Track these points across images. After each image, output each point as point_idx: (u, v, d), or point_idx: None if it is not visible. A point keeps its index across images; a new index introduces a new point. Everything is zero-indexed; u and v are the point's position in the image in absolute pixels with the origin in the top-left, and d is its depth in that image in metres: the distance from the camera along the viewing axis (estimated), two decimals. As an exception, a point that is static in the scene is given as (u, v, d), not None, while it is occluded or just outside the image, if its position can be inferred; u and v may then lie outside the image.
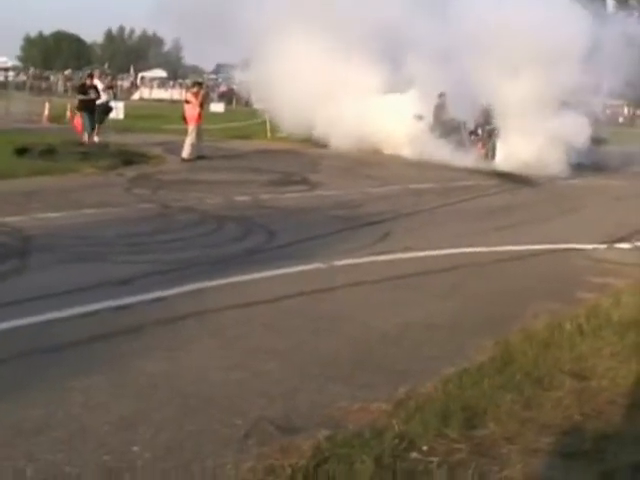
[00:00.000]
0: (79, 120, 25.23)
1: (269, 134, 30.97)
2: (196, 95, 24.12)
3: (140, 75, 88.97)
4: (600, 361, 6.51)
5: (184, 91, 44.86)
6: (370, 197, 16.94)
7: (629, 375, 6.20)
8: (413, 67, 25.99)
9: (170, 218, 13.37)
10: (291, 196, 16.58)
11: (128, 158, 21.26)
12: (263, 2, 27.24)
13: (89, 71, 26.29)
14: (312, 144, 26.82)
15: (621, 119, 61.08)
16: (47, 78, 78.76)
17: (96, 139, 24.80)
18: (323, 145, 26.72)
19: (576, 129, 24.80)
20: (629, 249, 12.54)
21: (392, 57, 27.06)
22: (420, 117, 26.68)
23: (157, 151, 24.12)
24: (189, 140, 23.19)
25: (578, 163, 24.84)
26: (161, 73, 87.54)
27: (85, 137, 24.20)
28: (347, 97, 26.64)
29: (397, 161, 24.35)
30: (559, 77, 23.50)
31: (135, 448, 4.88)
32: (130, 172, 19.11)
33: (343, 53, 26.37)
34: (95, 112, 24.81)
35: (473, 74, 23.65)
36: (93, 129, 24.64)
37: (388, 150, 26.30)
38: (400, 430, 5.06)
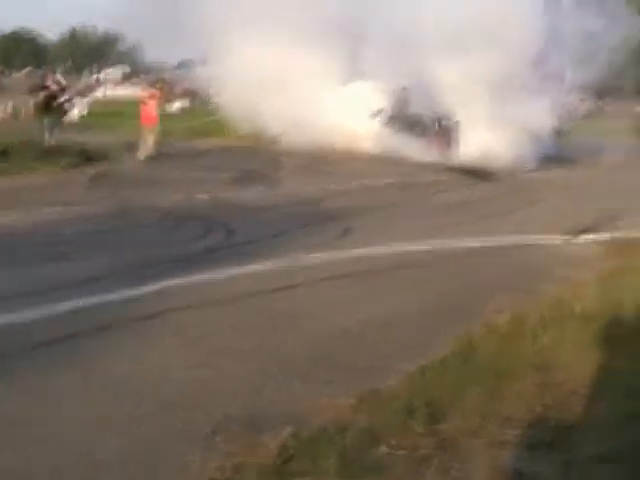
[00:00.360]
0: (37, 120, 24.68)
1: (228, 132, 30.80)
2: (153, 96, 23.98)
3: (103, 72, 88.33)
4: (563, 352, 6.52)
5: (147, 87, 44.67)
6: (330, 193, 16.91)
7: (591, 366, 6.22)
8: (370, 58, 26.05)
9: (130, 216, 13.28)
10: (251, 194, 16.53)
11: (88, 156, 21.10)
12: None
13: (43, 72, 25.71)
14: (271, 141, 26.67)
15: (583, 111, 61.46)
16: (6, 77, 77.90)
17: (56, 138, 24.48)
18: (282, 142, 26.61)
19: (538, 120, 25.01)
20: (590, 241, 12.60)
21: (349, 48, 27.07)
22: (379, 112, 26.70)
23: (118, 149, 23.93)
24: (147, 139, 23.05)
25: (541, 155, 25.02)
26: (124, 70, 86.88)
27: (46, 136, 23.77)
28: (304, 91, 26.56)
29: (357, 157, 24.31)
30: (513, 63, 23.71)
31: (98, 450, 4.82)
32: (90, 170, 19.03)
33: (299, 46, 26.30)
34: (54, 112, 24.29)
35: (430, 64, 23.76)
36: (53, 128, 24.19)
37: (348, 145, 26.26)
38: (364, 425, 5.04)
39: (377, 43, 25.78)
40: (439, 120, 26.59)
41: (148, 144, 23.00)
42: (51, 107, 24.14)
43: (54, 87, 25.47)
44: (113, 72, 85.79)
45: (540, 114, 26.19)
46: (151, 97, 23.93)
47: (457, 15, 23.19)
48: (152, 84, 24.62)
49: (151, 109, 23.61)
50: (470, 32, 22.72)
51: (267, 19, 26.03)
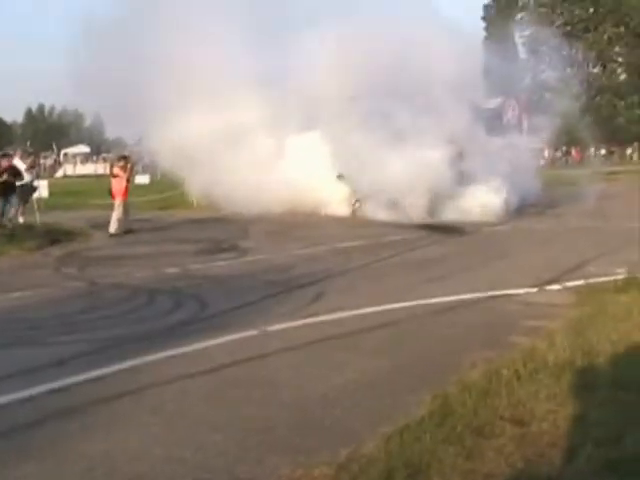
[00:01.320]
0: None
1: (195, 203, 30.92)
2: (123, 168, 24.02)
3: (63, 152, 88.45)
4: (538, 405, 6.54)
5: (108, 165, 44.70)
6: (300, 259, 16.95)
7: (568, 416, 6.25)
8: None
9: (100, 295, 13.24)
10: (221, 264, 16.53)
11: (54, 237, 21.05)
12: (167, 75, 27.23)
13: (2, 153, 25.36)
14: (237, 211, 26.72)
15: (542, 161, 62.28)
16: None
17: (21, 220, 24.29)
18: (249, 211, 26.68)
19: (501, 172, 25.51)
20: (559, 290, 12.69)
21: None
22: (342, 176, 26.86)
23: (84, 227, 23.94)
24: (116, 214, 23.08)
25: (506, 207, 25.38)
26: (84, 149, 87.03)
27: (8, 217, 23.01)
28: (259, 161, 26.87)
29: (325, 221, 24.45)
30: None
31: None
32: (57, 251, 18.96)
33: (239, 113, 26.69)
34: (13, 194, 23.41)
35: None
36: (14, 210, 23.51)
37: (315, 210, 26.39)
38: (345, 493, 5.02)
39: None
40: None
41: (119, 219, 22.99)
42: (11, 190, 23.41)
43: (21, 167, 25.21)
44: (74, 151, 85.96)
45: (502, 166, 26.62)
46: (122, 170, 23.89)
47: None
48: (121, 158, 24.51)
49: (121, 183, 23.61)
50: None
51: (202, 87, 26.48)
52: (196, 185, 28.80)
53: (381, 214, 24.35)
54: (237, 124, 26.68)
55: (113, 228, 22.75)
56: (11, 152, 26.40)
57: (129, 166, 24.37)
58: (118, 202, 23.39)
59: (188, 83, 26.63)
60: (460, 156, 26.15)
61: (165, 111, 26.98)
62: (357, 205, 26.76)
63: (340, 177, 26.91)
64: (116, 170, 24.23)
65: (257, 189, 25.95)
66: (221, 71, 26.98)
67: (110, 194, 24.08)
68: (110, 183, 24.32)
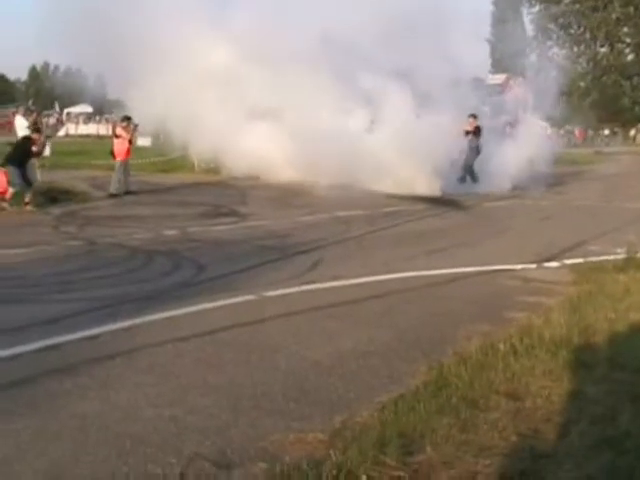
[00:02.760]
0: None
1: (196, 167, 30.82)
2: (126, 129, 23.87)
3: (66, 111, 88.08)
4: (534, 380, 6.54)
5: (111, 126, 44.51)
6: (299, 226, 16.92)
7: (563, 392, 6.25)
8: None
9: (98, 255, 13.19)
10: (220, 228, 16.49)
11: (55, 196, 20.96)
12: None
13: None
14: (238, 176, 26.63)
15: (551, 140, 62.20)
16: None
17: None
18: (250, 176, 26.57)
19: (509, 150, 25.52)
20: (558, 267, 12.67)
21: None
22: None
23: (84, 187, 23.85)
24: (117, 175, 22.99)
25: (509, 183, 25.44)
26: (87, 108, 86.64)
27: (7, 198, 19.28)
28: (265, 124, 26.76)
29: (325, 189, 24.35)
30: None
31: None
32: (57, 210, 18.88)
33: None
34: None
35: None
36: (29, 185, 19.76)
37: (315, 178, 26.27)
38: (338, 460, 5.02)
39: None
40: None
41: (120, 179, 22.92)
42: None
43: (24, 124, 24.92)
44: (77, 110, 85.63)
45: (511, 144, 26.63)
46: (124, 130, 23.75)
47: None
48: (124, 119, 24.30)
49: (123, 144, 23.50)
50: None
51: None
52: (197, 148, 28.69)
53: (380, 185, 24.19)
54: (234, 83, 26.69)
55: (114, 188, 22.67)
56: (14, 109, 25.97)
57: (132, 127, 24.21)
58: (119, 163, 23.30)
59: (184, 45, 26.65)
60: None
61: (161, 73, 26.85)
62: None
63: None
64: (119, 130, 24.06)
65: (256, 155, 25.87)
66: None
67: (112, 155, 23.97)
68: (112, 144, 24.21)
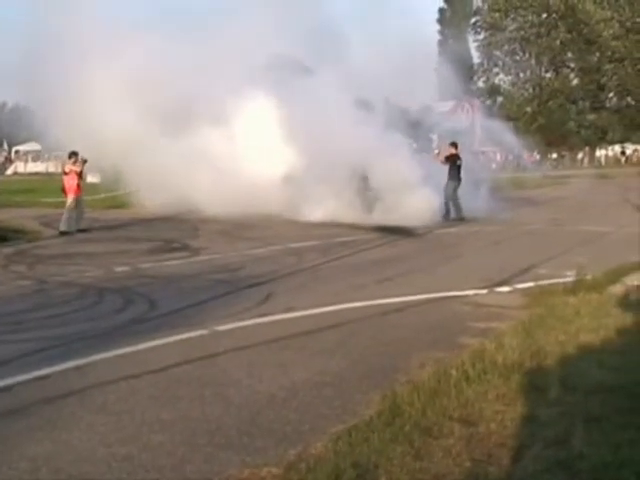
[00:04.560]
0: None
1: (146, 202, 30.62)
2: (75, 164, 23.64)
3: (14, 149, 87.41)
4: (487, 405, 6.57)
5: (60, 163, 44.16)
6: (251, 259, 16.89)
7: (516, 416, 6.28)
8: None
9: (49, 294, 13.07)
10: (171, 263, 16.40)
11: (3, 234, 20.75)
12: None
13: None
14: (188, 211, 26.55)
15: (494, 165, 62.84)
16: None
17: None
18: (200, 210, 26.51)
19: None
20: (509, 292, 12.77)
21: None
22: (289, 178, 26.66)
23: (34, 226, 23.66)
24: (67, 212, 22.79)
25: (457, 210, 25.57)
26: (35, 146, 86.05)
27: None
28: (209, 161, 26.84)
29: (277, 221, 24.36)
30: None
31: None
32: (6, 249, 18.68)
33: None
34: None
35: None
36: None
37: (268, 210, 26.25)
38: (293, 494, 5.00)
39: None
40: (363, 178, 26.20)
41: (70, 216, 22.72)
42: None
43: None
44: (25, 148, 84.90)
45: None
46: (73, 167, 23.53)
47: None
48: (71, 155, 24.06)
49: (73, 180, 23.29)
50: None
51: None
52: (146, 184, 28.59)
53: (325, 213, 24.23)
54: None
55: (64, 226, 22.46)
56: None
57: (80, 163, 23.97)
58: (70, 199, 23.10)
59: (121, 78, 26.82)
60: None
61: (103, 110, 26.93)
62: (305, 206, 26.67)
63: (287, 178, 26.71)
64: (67, 167, 23.83)
65: (206, 190, 25.87)
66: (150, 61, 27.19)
67: (63, 191, 23.76)
68: (62, 180, 23.97)
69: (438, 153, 28.09)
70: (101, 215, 26.88)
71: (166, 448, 6.09)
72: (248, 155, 26.55)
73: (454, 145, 28.03)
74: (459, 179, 26.81)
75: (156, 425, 6.61)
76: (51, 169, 65.81)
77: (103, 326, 10.43)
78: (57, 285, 13.77)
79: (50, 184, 29.59)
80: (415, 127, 31.55)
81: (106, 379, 7.92)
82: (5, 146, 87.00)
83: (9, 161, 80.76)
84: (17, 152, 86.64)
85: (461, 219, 25.47)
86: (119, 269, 15.38)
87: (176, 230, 22.78)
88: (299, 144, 25.07)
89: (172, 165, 26.39)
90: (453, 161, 27.14)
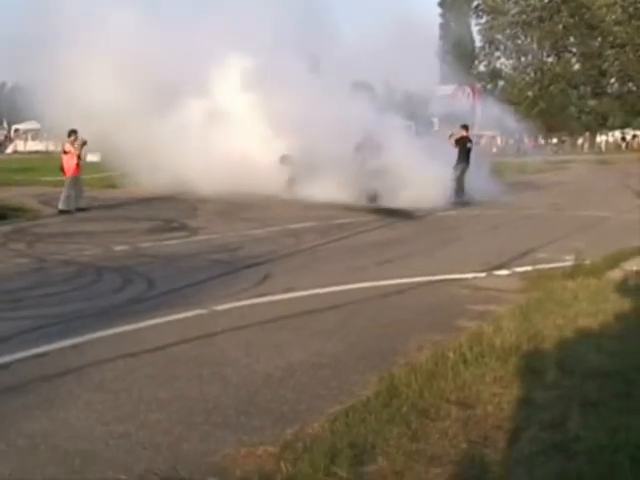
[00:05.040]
0: None
1: (145, 182, 30.55)
2: (73, 144, 23.55)
3: (14, 127, 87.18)
4: (484, 388, 6.58)
5: (59, 142, 44.03)
6: (249, 239, 16.89)
7: (513, 399, 6.29)
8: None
9: (48, 272, 13.07)
10: (170, 243, 16.41)
11: (2, 213, 20.74)
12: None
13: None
14: (187, 190, 26.53)
15: (495, 149, 62.84)
16: None
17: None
18: (199, 190, 26.50)
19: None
20: (507, 275, 12.77)
21: None
22: (286, 158, 26.68)
23: (33, 204, 23.65)
24: (66, 191, 22.75)
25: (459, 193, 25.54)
26: (35, 125, 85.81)
27: None
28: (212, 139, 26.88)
29: (276, 202, 24.35)
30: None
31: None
32: (5, 227, 18.67)
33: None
34: None
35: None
36: None
37: (266, 191, 26.22)
38: (289, 472, 5.02)
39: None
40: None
41: (69, 195, 22.68)
42: None
43: None
44: (25, 127, 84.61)
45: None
46: (72, 146, 23.44)
47: None
48: (70, 133, 23.92)
49: (72, 159, 23.22)
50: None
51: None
52: (142, 164, 28.58)
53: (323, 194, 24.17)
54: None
55: (63, 204, 22.42)
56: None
57: (79, 142, 23.86)
58: (69, 179, 23.05)
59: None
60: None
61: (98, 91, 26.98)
62: (301, 186, 26.70)
63: (284, 159, 26.72)
64: (67, 146, 23.68)
65: (203, 169, 25.89)
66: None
67: (62, 171, 23.69)
68: (61, 159, 23.90)
69: (451, 135, 27.90)
70: (100, 194, 26.81)
71: (163, 426, 6.10)
72: (244, 135, 26.62)
73: (465, 127, 27.98)
74: (468, 162, 26.74)
75: (153, 404, 6.61)
76: (51, 148, 65.68)
77: (101, 305, 10.43)
78: (56, 263, 13.76)
79: (49, 163, 29.52)
80: (415, 110, 31.49)
81: (104, 357, 7.92)
82: (5, 125, 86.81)
83: (9, 140, 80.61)
84: (17, 131, 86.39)
85: (463, 203, 25.35)
86: (118, 248, 15.37)
87: (175, 210, 22.77)
88: (294, 125, 25.00)
89: (167, 144, 26.48)
90: (463, 144, 27.08)
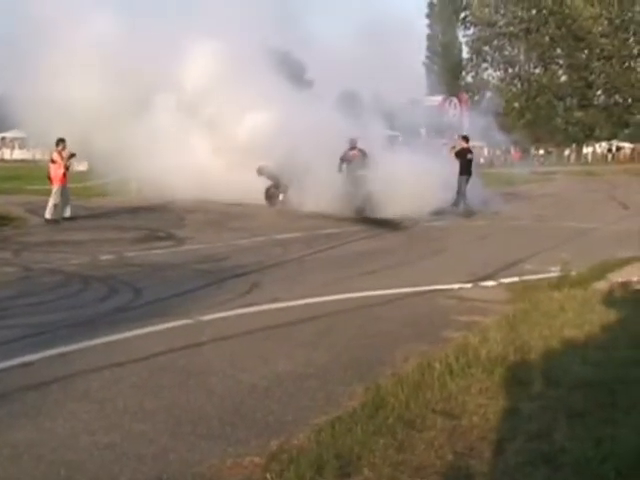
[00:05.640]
0: None
1: (133, 191, 30.51)
2: (61, 153, 23.44)
3: (0, 136, 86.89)
4: (470, 398, 6.58)
5: (46, 151, 43.89)
6: (236, 249, 16.89)
7: (499, 410, 6.29)
8: None
9: (34, 281, 13.04)
10: (157, 252, 16.39)
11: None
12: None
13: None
14: (174, 199, 26.52)
15: (482, 160, 62.98)
16: None
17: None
18: (185, 199, 26.50)
19: (441, 170, 25.65)
20: (494, 286, 12.79)
21: None
22: (263, 169, 26.73)
23: (20, 212, 23.58)
24: (52, 200, 22.66)
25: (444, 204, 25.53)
26: (22, 133, 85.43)
27: None
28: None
29: (263, 212, 24.36)
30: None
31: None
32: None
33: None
34: None
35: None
36: None
37: (252, 200, 26.24)
38: (274, 484, 5.00)
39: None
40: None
41: (56, 204, 22.61)
42: None
43: None
44: (12, 135, 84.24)
45: (443, 163, 26.75)
46: (59, 155, 23.31)
47: None
48: (58, 142, 23.79)
49: (59, 168, 23.12)
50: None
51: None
52: (132, 172, 28.60)
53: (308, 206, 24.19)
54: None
55: (49, 213, 22.38)
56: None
57: (66, 152, 23.74)
58: (56, 188, 22.95)
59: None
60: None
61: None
62: (281, 197, 26.85)
63: (261, 170, 26.76)
64: (54, 155, 23.54)
65: (190, 179, 25.97)
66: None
67: (49, 179, 23.60)
68: (48, 168, 23.75)
69: (453, 147, 27.98)
70: (86, 203, 26.76)
71: (149, 437, 6.08)
72: (222, 143, 26.77)
73: (465, 139, 28.05)
74: (470, 172, 26.71)
75: (139, 414, 6.60)
76: (38, 156, 65.51)
77: (88, 314, 10.41)
78: (42, 272, 13.72)
79: (36, 171, 29.43)
80: (402, 121, 31.56)
81: (90, 367, 7.89)
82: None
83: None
84: (3, 139, 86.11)
85: (468, 213, 25.27)
86: (104, 257, 15.35)
87: (162, 219, 22.77)
88: (271, 136, 25.12)
89: (147, 149, 26.53)
90: (464, 155, 27.07)
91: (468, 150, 27.37)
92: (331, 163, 24.77)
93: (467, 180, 26.63)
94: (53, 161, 23.47)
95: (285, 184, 26.33)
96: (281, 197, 26.80)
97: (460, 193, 26.26)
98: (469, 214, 25.26)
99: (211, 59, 27.89)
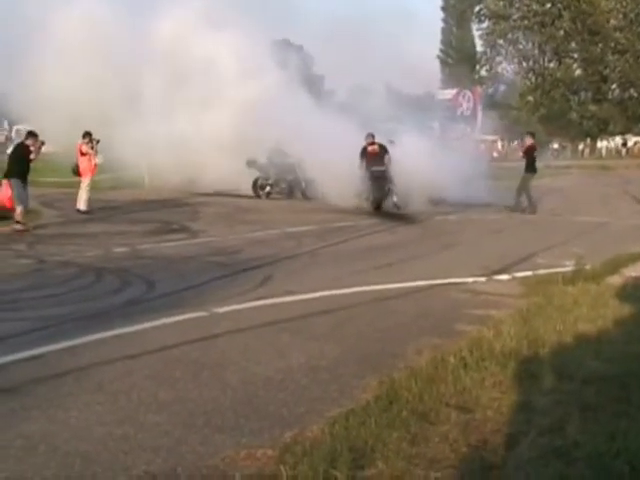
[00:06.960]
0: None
1: (146, 184, 30.58)
2: (89, 145, 23.33)
3: (15, 128, 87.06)
4: (484, 392, 6.57)
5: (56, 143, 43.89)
6: (249, 242, 16.90)
7: (512, 404, 6.28)
8: None
9: (47, 273, 13.07)
10: (170, 245, 16.42)
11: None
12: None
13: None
14: (189, 192, 26.57)
15: (495, 154, 62.85)
16: None
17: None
18: (199, 192, 26.54)
19: (455, 163, 25.56)
20: (508, 280, 12.77)
21: None
22: (253, 162, 26.91)
23: (34, 205, 23.56)
24: (86, 193, 22.65)
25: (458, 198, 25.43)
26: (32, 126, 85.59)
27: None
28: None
29: (276, 205, 24.37)
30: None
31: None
32: (6, 227, 18.64)
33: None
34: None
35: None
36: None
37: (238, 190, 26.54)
38: (288, 475, 5.00)
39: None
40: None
41: (87, 194, 22.64)
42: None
43: None
44: (25, 127, 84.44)
45: (456, 157, 26.69)
46: (88, 147, 23.28)
47: None
48: (85, 135, 23.68)
49: (90, 160, 23.09)
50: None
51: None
52: (146, 165, 28.69)
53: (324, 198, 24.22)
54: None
55: (83, 205, 22.41)
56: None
57: (94, 143, 23.62)
58: (87, 180, 22.91)
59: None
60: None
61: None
62: (268, 189, 27.17)
63: (250, 163, 26.93)
64: (84, 148, 23.43)
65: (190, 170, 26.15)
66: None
67: (75, 173, 23.54)
68: (77, 161, 23.63)
69: (522, 145, 27.82)
70: (101, 196, 26.77)
71: (163, 428, 6.09)
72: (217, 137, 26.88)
73: (532, 135, 27.73)
74: (534, 170, 26.27)
75: (153, 405, 6.61)
76: (51, 148, 65.63)
77: (100, 306, 10.44)
78: (56, 265, 13.76)
79: (49, 164, 29.40)
80: (416, 114, 31.49)
81: (103, 359, 7.91)
82: (6, 125, 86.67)
83: (10, 140, 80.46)
84: (18, 131, 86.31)
85: (533, 212, 24.94)
86: (118, 250, 15.38)
87: (175, 212, 22.84)
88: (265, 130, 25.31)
89: (152, 145, 26.66)
90: (530, 153, 26.56)
91: (534, 147, 26.75)
92: (337, 158, 24.68)
93: (531, 178, 26.10)
94: (83, 153, 23.37)
95: (275, 177, 26.84)
96: (267, 189, 27.21)
97: (525, 191, 25.60)
98: (533, 210, 24.85)
99: (213, 50, 27.93)
